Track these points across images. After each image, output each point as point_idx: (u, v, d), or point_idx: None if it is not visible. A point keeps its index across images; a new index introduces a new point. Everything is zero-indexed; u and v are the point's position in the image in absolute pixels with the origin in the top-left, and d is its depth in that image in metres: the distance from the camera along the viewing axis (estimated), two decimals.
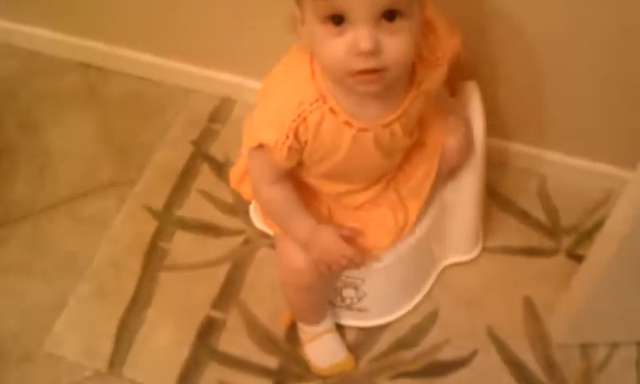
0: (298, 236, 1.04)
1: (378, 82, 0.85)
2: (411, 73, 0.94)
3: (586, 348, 1.23)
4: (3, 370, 1.21)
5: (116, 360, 1.22)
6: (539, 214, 1.39)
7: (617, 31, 1.14)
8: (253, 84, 1.45)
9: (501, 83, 1.33)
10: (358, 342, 1.24)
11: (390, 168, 1.08)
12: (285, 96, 0.93)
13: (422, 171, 1.11)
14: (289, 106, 0.92)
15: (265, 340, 1.24)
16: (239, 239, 1.34)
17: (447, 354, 1.23)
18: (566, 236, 1.35)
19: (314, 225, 1.03)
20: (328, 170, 1.00)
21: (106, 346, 1.23)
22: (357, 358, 1.22)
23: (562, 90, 1.30)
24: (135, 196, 1.41)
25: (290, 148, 0.93)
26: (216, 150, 1.48)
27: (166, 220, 1.38)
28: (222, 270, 1.31)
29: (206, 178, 1.44)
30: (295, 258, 1.07)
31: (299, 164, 0.99)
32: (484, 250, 1.34)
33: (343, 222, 1.08)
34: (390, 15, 0.80)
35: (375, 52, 0.81)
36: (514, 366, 1.21)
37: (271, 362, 1.22)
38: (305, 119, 0.91)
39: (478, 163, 1.19)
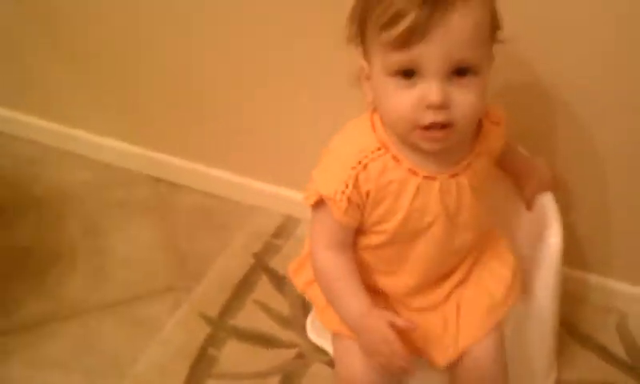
0: (347, 315, 0.95)
1: (444, 139, 0.84)
2: (477, 129, 0.93)
3: None
4: None
5: None
6: (618, 349, 1.29)
7: None
8: None
9: (576, 207, 1.28)
10: None
11: (453, 263, 1.01)
12: (344, 147, 0.92)
13: (487, 289, 1.03)
14: (349, 155, 0.90)
15: None
16: (292, 352, 1.28)
17: None
18: None
19: (368, 305, 0.93)
20: (387, 238, 0.94)
21: None
22: None
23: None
24: (190, 302, 1.38)
25: (349, 200, 0.90)
26: (276, 264, 1.45)
27: (219, 328, 1.33)
28: (270, 383, 1.23)
29: (263, 289, 1.40)
30: (351, 363, 0.99)
31: (358, 231, 0.94)
32: (558, 381, 1.23)
33: None
34: (461, 71, 0.80)
35: (445, 106, 0.80)
36: None
37: None
38: (366, 166, 0.89)
39: (554, 279, 1.12)
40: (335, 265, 0.96)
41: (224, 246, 1.50)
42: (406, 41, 0.79)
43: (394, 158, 0.90)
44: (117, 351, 1.30)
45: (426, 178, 0.91)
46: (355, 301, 0.94)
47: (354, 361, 0.97)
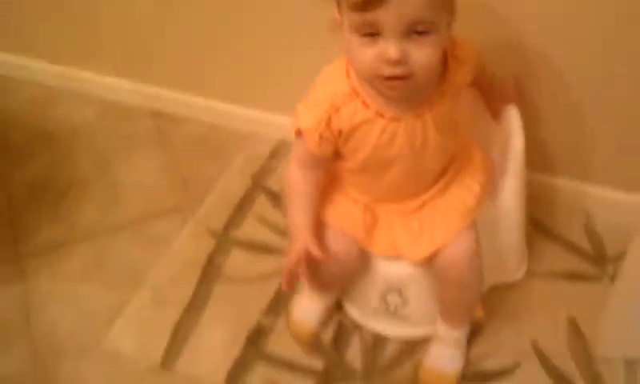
0: (292, 220, 1.14)
1: (403, 88, 0.98)
2: (442, 70, 1.04)
3: (632, 364, 1.23)
4: (58, 364, 1.29)
5: (170, 356, 1.28)
6: (585, 244, 1.43)
7: None
8: None
9: (545, 118, 1.41)
10: (403, 350, 1.27)
11: (424, 183, 1.16)
12: (322, 89, 1.07)
13: (459, 199, 1.17)
14: (325, 98, 1.05)
15: (311, 344, 1.28)
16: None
17: (491, 365, 1.25)
18: (610, 264, 1.38)
19: (305, 225, 1.11)
20: (360, 165, 1.10)
21: (161, 344, 1.30)
22: (399, 365, 1.25)
23: (604, 125, 1.38)
24: (196, 220, 1.52)
25: (321, 136, 1.05)
26: (272, 183, 1.59)
27: (224, 239, 1.47)
28: (273, 283, 1.38)
29: (262, 205, 1.54)
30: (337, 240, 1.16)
31: (338, 155, 1.10)
32: (529, 273, 1.38)
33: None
34: (417, 30, 0.93)
35: (402, 61, 0.94)
36: (558, 378, 1.22)
37: (317, 364, 1.26)
38: (338, 109, 1.04)
39: (519, 182, 1.26)
40: (299, 183, 1.13)
41: (223, 169, 1.63)
42: (365, 6, 0.91)
43: (364, 102, 1.04)
44: (132, 264, 1.44)
45: (391, 119, 1.05)
46: (300, 216, 1.13)
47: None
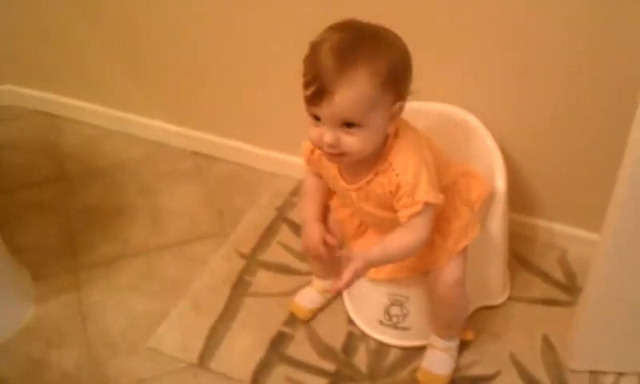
0: (304, 214, 1.44)
1: (340, 161, 1.27)
2: (380, 153, 1.26)
3: (595, 375, 1.45)
4: (112, 358, 1.52)
5: (206, 356, 1.51)
6: (559, 275, 1.67)
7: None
8: None
9: (526, 168, 1.67)
10: (403, 356, 1.50)
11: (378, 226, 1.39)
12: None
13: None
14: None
15: (324, 350, 1.52)
16: (307, 279, 1.65)
17: (476, 372, 1.47)
18: (580, 292, 1.59)
19: (312, 218, 1.42)
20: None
21: (198, 346, 1.52)
22: (400, 369, 1.48)
23: (576, 177, 1.63)
24: (229, 243, 1.76)
25: (308, 160, 1.38)
26: (294, 215, 1.84)
27: (252, 261, 1.72)
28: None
29: (284, 234, 1.79)
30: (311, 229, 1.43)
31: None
32: (511, 298, 1.61)
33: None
34: (348, 124, 1.18)
35: (334, 145, 1.19)
36: None
37: (329, 366, 1.49)
38: (314, 150, 1.34)
39: (502, 219, 1.51)
40: (309, 183, 1.44)
41: (252, 202, 1.89)
42: (310, 102, 1.17)
43: None
44: (174, 279, 1.68)
45: (335, 176, 1.33)
46: (310, 210, 1.43)
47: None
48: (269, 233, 1.80)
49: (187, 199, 1.91)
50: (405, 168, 1.23)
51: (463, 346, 1.50)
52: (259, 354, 1.51)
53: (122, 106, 2.12)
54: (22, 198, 1.92)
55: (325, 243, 1.39)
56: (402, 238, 1.26)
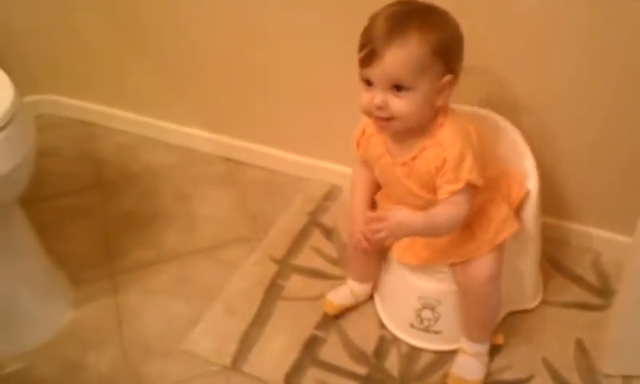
0: (351, 206, 1.47)
1: (386, 127, 1.30)
2: (423, 140, 1.31)
3: (629, 379, 1.45)
4: (147, 361, 1.54)
5: (239, 359, 1.53)
6: (593, 279, 1.67)
7: None
8: None
9: (561, 171, 1.68)
10: (435, 360, 1.51)
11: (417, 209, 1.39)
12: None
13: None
14: (364, 119, 1.37)
15: (356, 354, 1.53)
16: (339, 282, 1.66)
17: (508, 376, 1.47)
18: (614, 296, 1.58)
19: (362, 209, 1.44)
20: (379, 179, 1.44)
21: (232, 349, 1.54)
22: (431, 373, 1.49)
23: (611, 181, 1.62)
24: (262, 248, 1.78)
25: (359, 142, 1.42)
26: (326, 220, 1.86)
27: (284, 265, 1.73)
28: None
29: (316, 238, 1.81)
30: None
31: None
32: (544, 302, 1.61)
33: None
34: (397, 87, 1.23)
35: (382, 107, 1.25)
36: None
37: (361, 370, 1.50)
38: (368, 126, 1.38)
39: (535, 220, 1.51)
40: (357, 176, 1.49)
41: (285, 207, 1.91)
42: (363, 64, 1.23)
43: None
44: (208, 283, 1.71)
45: (383, 153, 1.37)
46: (358, 202, 1.47)
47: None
48: (301, 237, 1.82)
49: (220, 204, 1.94)
50: (452, 144, 1.28)
51: (495, 350, 1.50)
52: (292, 357, 1.53)
53: (156, 113, 2.16)
54: (61, 205, 1.96)
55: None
56: (444, 210, 1.31)
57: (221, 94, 2.01)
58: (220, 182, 2.02)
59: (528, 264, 1.56)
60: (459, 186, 1.27)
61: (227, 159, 2.09)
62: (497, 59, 1.57)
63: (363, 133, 1.40)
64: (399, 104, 1.24)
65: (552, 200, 1.67)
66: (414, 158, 1.32)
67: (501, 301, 1.46)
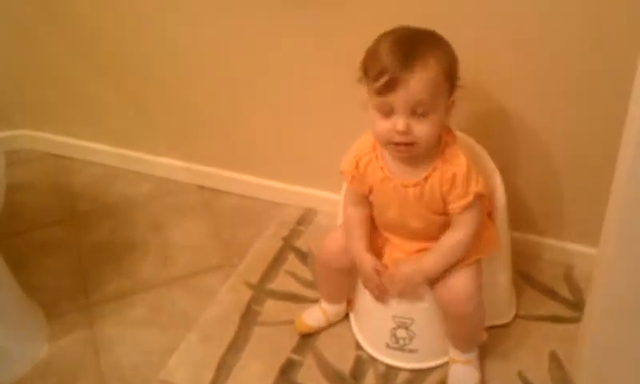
0: (352, 250, 1.43)
1: (408, 152, 1.30)
2: (435, 152, 1.34)
3: None
4: None
5: None
6: (565, 292, 1.68)
7: None
8: (331, 197, 1.84)
9: (529, 188, 1.70)
10: (412, 379, 1.52)
11: (416, 234, 1.43)
12: (357, 145, 1.41)
13: None
14: (354, 152, 1.39)
15: (333, 375, 1.53)
16: (314, 305, 1.67)
17: None
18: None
19: (363, 249, 1.42)
20: (375, 205, 1.42)
21: (209, 376, 1.54)
22: None
23: (580, 194, 1.65)
24: (237, 274, 1.79)
25: (353, 176, 1.38)
26: (300, 244, 1.87)
27: (260, 290, 1.74)
28: None
29: (291, 263, 1.82)
30: (334, 239, 1.50)
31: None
32: (517, 317, 1.63)
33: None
34: (419, 111, 1.25)
35: (407, 132, 1.26)
36: None
37: None
38: (361, 158, 1.37)
39: (504, 235, 1.53)
40: (352, 217, 1.45)
41: (259, 233, 1.92)
42: (383, 92, 1.24)
43: (377, 157, 1.38)
44: (184, 311, 1.71)
45: (385, 178, 1.37)
46: (359, 243, 1.43)
47: (336, 239, 1.50)
48: (276, 262, 1.83)
49: (195, 233, 1.95)
50: (459, 160, 1.33)
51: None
52: (269, 381, 1.53)
53: (129, 144, 2.17)
54: (36, 239, 1.96)
55: (376, 272, 1.42)
56: (452, 236, 1.36)
57: (192, 124, 2.03)
58: (195, 211, 2.03)
59: (500, 279, 1.58)
60: (469, 199, 1.32)
61: (201, 187, 2.10)
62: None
63: (357, 166, 1.39)
64: (422, 127, 1.26)
65: (522, 215, 1.69)
66: (426, 178, 1.34)
67: (484, 313, 1.47)
